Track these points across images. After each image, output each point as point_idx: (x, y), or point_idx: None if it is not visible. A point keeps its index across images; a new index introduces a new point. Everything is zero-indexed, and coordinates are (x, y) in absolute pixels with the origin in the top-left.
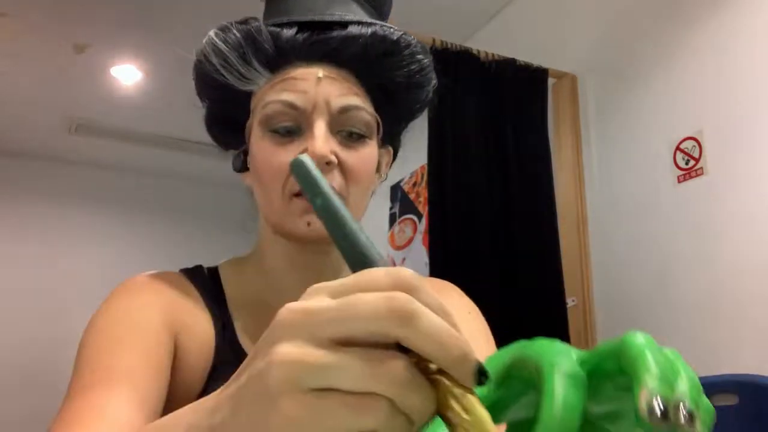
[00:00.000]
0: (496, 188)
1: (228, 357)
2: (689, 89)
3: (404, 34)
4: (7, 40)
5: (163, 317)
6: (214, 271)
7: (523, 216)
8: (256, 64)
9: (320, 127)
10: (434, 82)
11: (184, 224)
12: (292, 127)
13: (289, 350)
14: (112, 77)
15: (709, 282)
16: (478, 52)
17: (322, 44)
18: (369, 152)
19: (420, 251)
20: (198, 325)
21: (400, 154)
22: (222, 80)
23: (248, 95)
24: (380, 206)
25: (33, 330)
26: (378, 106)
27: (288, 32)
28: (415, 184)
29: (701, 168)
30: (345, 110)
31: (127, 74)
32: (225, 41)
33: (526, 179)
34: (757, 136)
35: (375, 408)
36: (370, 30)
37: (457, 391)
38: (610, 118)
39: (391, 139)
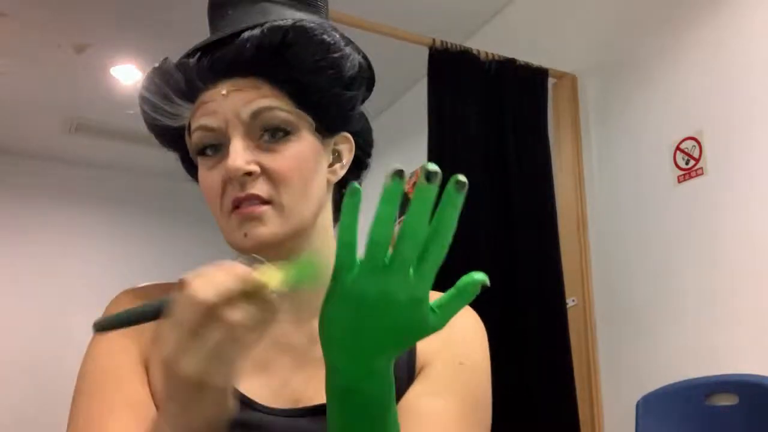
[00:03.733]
0: (496, 188)
1: None
2: (689, 89)
3: (297, 21)
4: (7, 40)
5: (138, 352)
6: None
7: (523, 216)
8: (177, 100)
9: (235, 142)
10: (351, 54)
11: (183, 224)
12: (216, 146)
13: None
14: (112, 77)
15: (709, 282)
16: (478, 52)
17: (219, 61)
18: (295, 150)
19: None
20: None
21: (400, 153)
22: (158, 123)
23: (184, 129)
24: None
25: (32, 330)
26: (299, 97)
27: (192, 61)
28: (415, 184)
29: (701, 168)
30: (256, 115)
31: (127, 74)
32: (147, 88)
33: (526, 179)
34: (757, 136)
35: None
36: (259, 30)
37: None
38: (610, 118)
39: (342, 124)
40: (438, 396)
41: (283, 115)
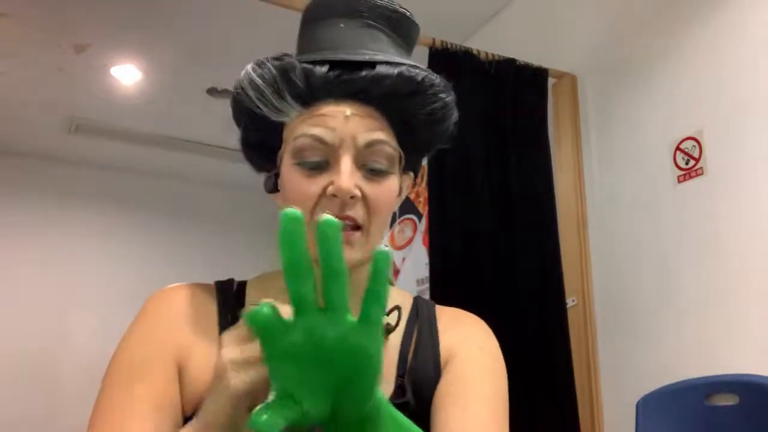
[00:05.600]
0: (496, 188)
1: None
2: (689, 89)
3: (429, 74)
4: (7, 40)
5: (169, 350)
6: (242, 286)
7: (524, 216)
8: (289, 98)
9: (346, 162)
10: (455, 116)
11: (183, 224)
12: (320, 161)
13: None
14: (112, 77)
15: (709, 282)
16: (478, 52)
17: (352, 84)
18: (390, 184)
19: (420, 251)
20: (202, 347)
21: None
22: (257, 111)
23: (281, 125)
24: None
25: (32, 330)
26: (401, 139)
27: (320, 70)
28: (415, 184)
29: (701, 168)
30: (370, 145)
31: (127, 74)
32: (261, 76)
33: (526, 179)
34: (757, 136)
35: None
36: (396, 70)
37: None
38: (610, 118)
39: (412, 166)
40: (465, 381)
41: (391, 151)
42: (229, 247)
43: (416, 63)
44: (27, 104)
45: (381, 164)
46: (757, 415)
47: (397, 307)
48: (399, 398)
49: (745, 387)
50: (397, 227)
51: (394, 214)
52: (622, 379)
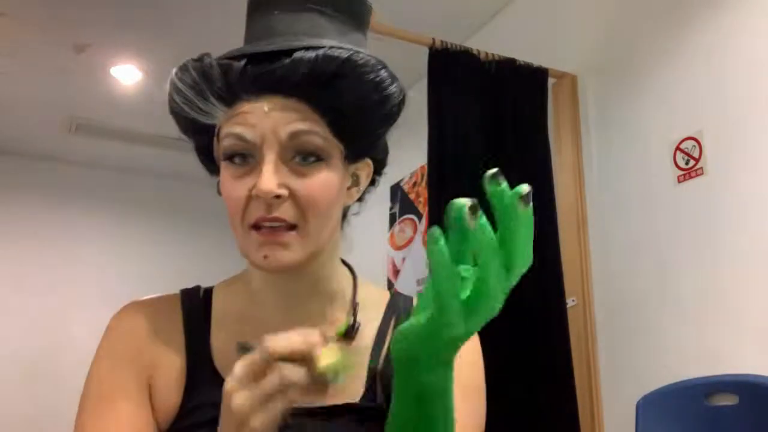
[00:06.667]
0: None
1: (203, 377)
2: (689, 89)
3: (353, 53)
4: (7, 40)
5: (137, 372)
6: (209, 291)
7: None
8: (212, 99)
9: (268, 161)
10: (396, 93)
11: (183, 225)
12: (246, 156)
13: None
14: (112, 77)
15: (709, 282)
16: (478, 52)
17: (267, 76)
18: (325, 177)
19: (420, 251)
20: (169, 361)
21: (399, 154)
22: (187, 115)
23: (213, 127)
24: (380, 206)
25: (32, 330)
26: (337, 127)
27: (237, 66)
28: (415, 184)
29: (701, 168)
30: (294, 136)
31: (127, 74)
32: (182, 80)
33: (526, 179)
34: (757, 136)
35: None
36: (314, 54)
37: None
38: (610, 118)
39: (368, 150)
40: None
41: (319, 141)
42: (228, 247)
43: (360, 43)
44: (27, 104)
45: (309, 156)
46: (757, 415)
47: (356, 304)
48: (369, 401)
49: (745, 387)
50: (397, 227)
51: (394, 213)
52: (622, 379)
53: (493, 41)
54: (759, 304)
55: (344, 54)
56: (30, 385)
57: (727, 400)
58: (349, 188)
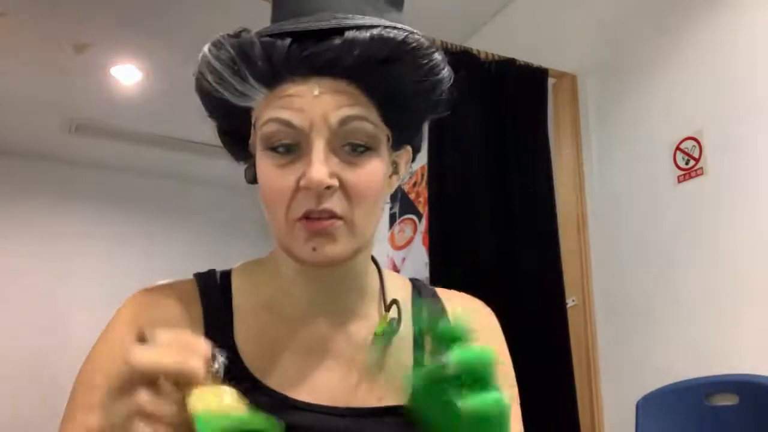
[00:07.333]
0: (495, 188)
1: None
2: (689, 89)
3: (409, 33)
4: (6, 40)
5: None
6: (226, 276)
7: (523, 216)
8: (251, 80)
9: (318, 150)
10: (447, 78)
11: (183, 224)
12: (291, 145)
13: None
14: (112, 77)
15: (709, 282)
16: (478, 52)
17: (317, 57)
18: (374, 166)
19: (420, 251)
20: None
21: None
22: (220, 96)
23: (248, 109)
24: None
25: (32, 330)
26: (387, 112)
27: (281, 45)
28: (415, 184)
29: (701, 168)
30: (344, 122)
31: (127, 74)
32: (218, 58)
33: (526, 179)
34: (757, 136)
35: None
36: (368, 34)
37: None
38: (610, 118)
39: (413, 137)
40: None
41: (369, 128)
42: (229, 247)
43: (398, 22)
44: (27, 104)
45: (361, 144)
46: (757, 415)
47: (395, 301)
48: None
49: (745, 387)
50: (397, 227)
51: (394, 213)
52: (622, 379)
53: (493, 41)
54: (759, 304)
55: (400, 35)
56: (30, 385)
57: (727, 400)
58: (389, 177)
